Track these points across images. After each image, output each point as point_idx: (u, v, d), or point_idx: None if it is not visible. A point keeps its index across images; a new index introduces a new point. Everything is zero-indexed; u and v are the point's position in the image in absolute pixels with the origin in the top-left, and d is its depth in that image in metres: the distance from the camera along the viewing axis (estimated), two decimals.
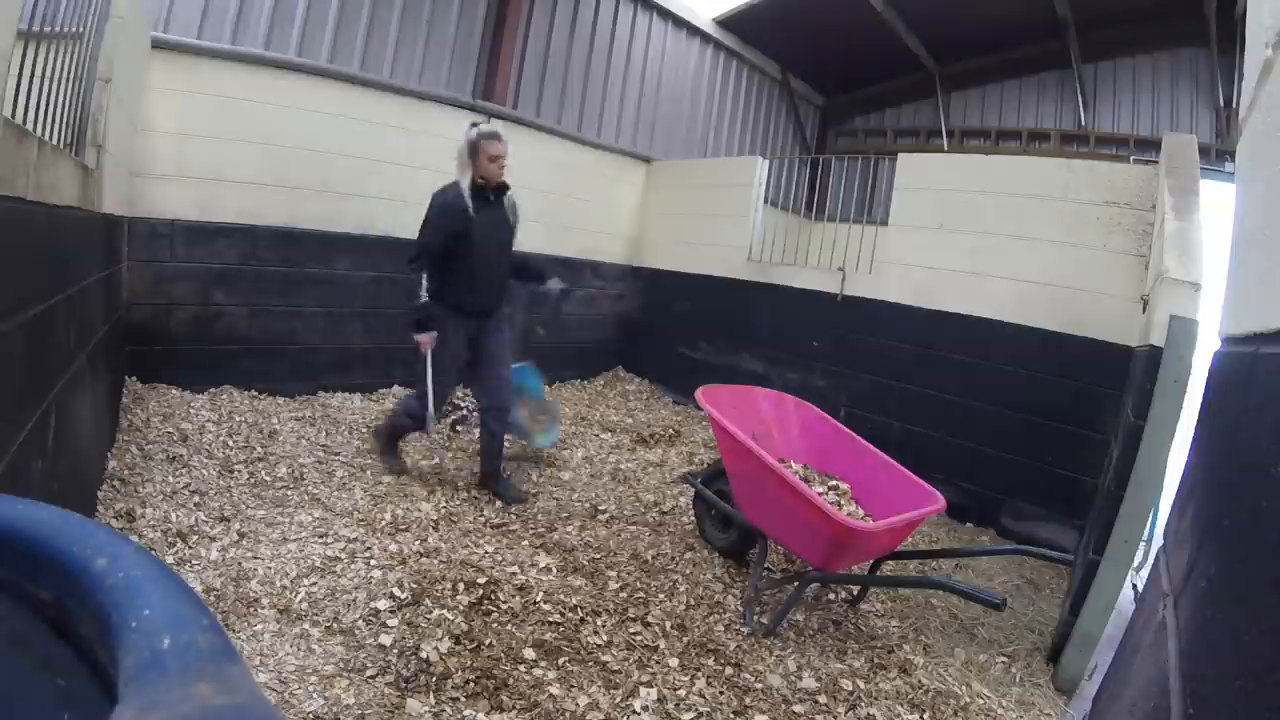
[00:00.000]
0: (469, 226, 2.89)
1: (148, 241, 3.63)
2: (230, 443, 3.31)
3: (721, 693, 2.03)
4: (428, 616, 2.17)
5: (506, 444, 3.36)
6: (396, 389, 4.59)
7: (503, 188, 2.98)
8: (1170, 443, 2.15)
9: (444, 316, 2.98)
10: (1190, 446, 0.86)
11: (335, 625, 2.10)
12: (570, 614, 2.30)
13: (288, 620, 2.09)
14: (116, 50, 2.50)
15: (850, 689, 2.13)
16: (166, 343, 3.77)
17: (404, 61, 4.86)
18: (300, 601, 2.19)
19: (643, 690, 1.98)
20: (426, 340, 2.97)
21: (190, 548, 2.36)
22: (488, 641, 2.08)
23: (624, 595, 2.49)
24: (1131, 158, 5.75)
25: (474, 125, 2.90)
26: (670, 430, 4.74)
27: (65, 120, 1.98)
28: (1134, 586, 2.76)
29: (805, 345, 4.87)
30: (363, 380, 4.53)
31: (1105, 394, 3.35)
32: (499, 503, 3.16)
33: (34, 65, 1.53)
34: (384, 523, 2.78)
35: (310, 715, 1.71)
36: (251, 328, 4.07)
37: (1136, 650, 0.86)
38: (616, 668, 2.07)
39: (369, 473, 3.30)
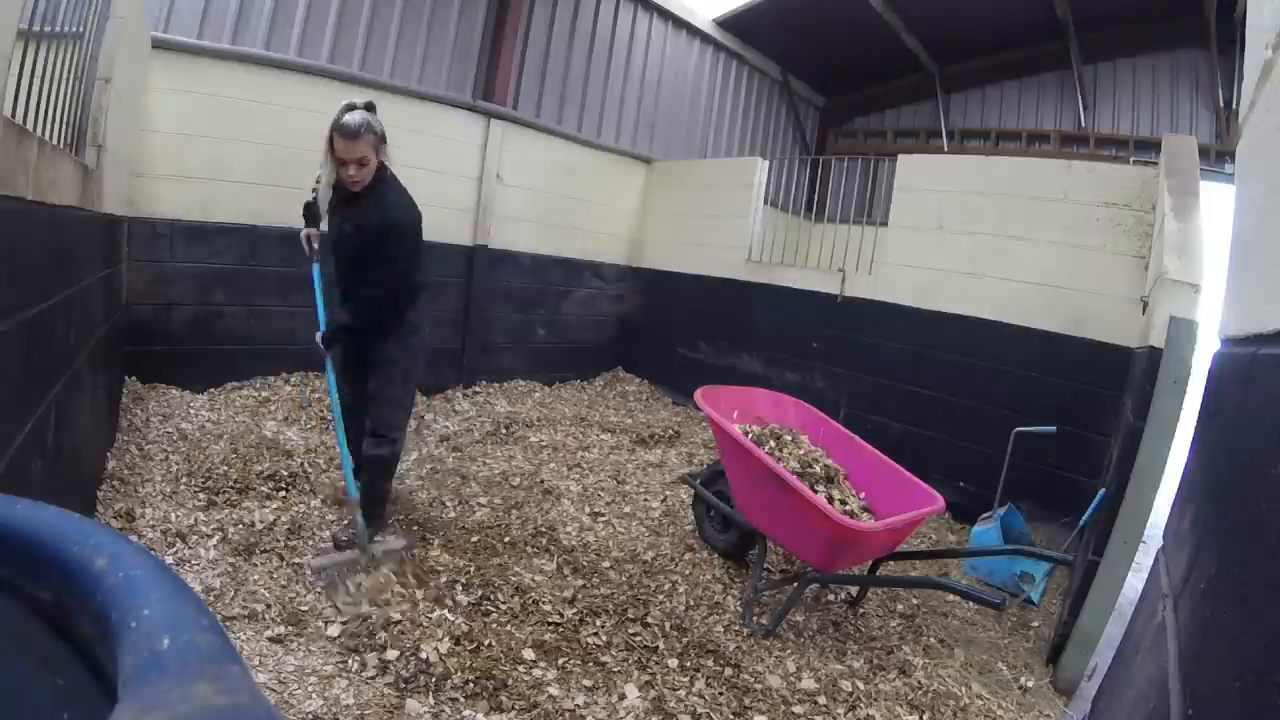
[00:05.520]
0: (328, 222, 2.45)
1: (148, 241, 3.63)
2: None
3: (721, 693, 2.03)
4: (428, 616, 2.17)
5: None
6: None
7: (350, 195, 2.32)
8: (1170, 443, 2.15)
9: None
10: (1190, 447, 0.86)
11: (334, 624, 2.10)
12: (570, 614, 2.30)
13: (287, 620, 2.09)
14: (116, 50, 2.50)
15: (850, 690, 2.13)
16: (166, 343, 3.77)
17: (404, 61, 4.85)
18: (300, 601, 2.19)
19: (642, 691, 1.98)
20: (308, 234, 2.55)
21: (190, 548, 2.36)
22: (487, 642, 2.08)
23: (623, 596, 2.49)
24: (1131, 159, 5.75)
25: (349, 106, 2.27)
26: (670, 431, 4.74)
27: (65, 120, 1.98)
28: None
29: (805, 346, 4.87)
30: None
31: (1105, 395, 3.35)
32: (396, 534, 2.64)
33: (34, 65, 1.53)
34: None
35: (310, 715, 1.71)
36: (251, 328, 4.07)
37: (1136, 650, 0.86)
38: (616, 668, 2.07)
39: None
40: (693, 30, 6.90)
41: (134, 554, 0.32)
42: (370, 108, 2.29)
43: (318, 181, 2.42)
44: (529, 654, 2.07)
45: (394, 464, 2.61)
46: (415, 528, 2.82)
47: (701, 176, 5.91)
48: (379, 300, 2.38)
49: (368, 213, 2.30)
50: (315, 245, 2.58)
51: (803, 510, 2.26)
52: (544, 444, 4.11)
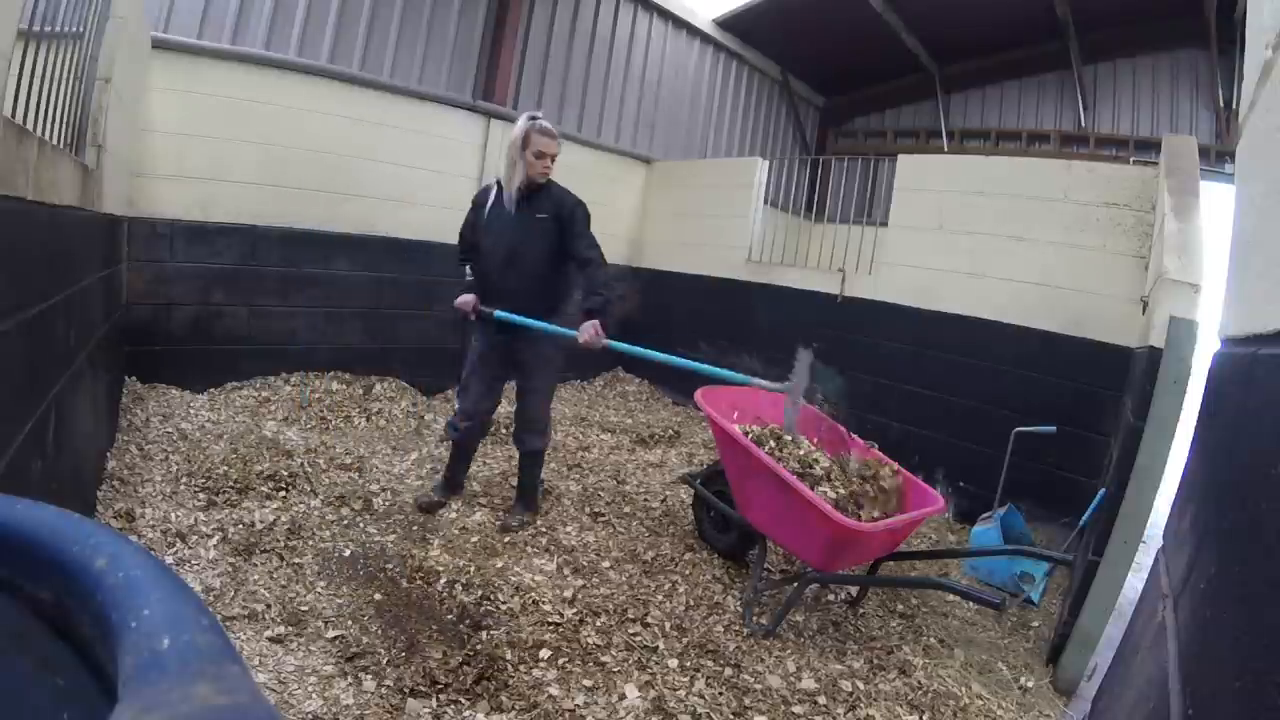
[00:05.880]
0: (479, 220, 2.81)
1: (148, 241, 3.63)
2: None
3: (721, 694, 2.02)
4: (429, 615, 2.17)
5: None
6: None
7: (536, 188, 2.69)
8: (1170, 443, 2.15)
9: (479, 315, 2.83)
10: (1190, 447, 0.86)
11: (334, 624, 2.10)
12: (570, 614, 2.30)
13: (287, 620, 2.09)
14: (116, 50, 2.50)
15: (850, 690, 2.13)
16: (166, 343, 3.77)
17: (404, 61, 4.85)
18: (300, 601, 2.19)
19: (642, 691, 1.98)
20: (463, 301, 2.81)
21: (190, 548, 2.36)
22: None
23: (623, 596, 2.49)
24: (1131, 159, 5.75)
25: (532, 116, 2.66)
26: (670, 431, 4.73)
27: (65, 120, 1.98)
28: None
29: (805, 346, 4.86)
30: (363, 380, 4.53)
31: (1105, 395, 3.35)
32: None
33: (34, 65, 1.53)
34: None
35: (309, 715, 1.71)
36: (251, 328, 4.07)
37: (1136, 650, 0.86)
38: (616, 668, 2.07)
39: None
40: (693, 30, 6.90)
41: (134, 554, 0.32)
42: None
43: (472, 211, 2.85)
44: (529, 653, 2.07)
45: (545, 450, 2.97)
46: (415, 528, 2.83)
47: (701, 176, 5.91)
48: (598, 267, 2.69)
49: (555, 200, 2.71)
50: (475, 307, 2.82)
51: (803, 510, 2.26)
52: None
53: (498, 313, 2.74)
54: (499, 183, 2.78)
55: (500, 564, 2.59)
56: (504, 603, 2.31)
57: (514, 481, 3.45)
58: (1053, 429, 3.29)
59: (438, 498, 3.04)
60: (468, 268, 2.89)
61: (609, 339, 2.68)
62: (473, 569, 2.49)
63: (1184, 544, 0.72)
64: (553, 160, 2.66)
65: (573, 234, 2.69)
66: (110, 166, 2.64)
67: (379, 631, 2.10)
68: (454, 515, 2.99)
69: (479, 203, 2.84)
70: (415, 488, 3.19)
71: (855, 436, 2.89)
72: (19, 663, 0.34)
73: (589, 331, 2.64)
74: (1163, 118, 6.37)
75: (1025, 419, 3.44)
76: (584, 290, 2.72)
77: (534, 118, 2.65)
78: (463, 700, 1.84)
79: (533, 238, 2.69)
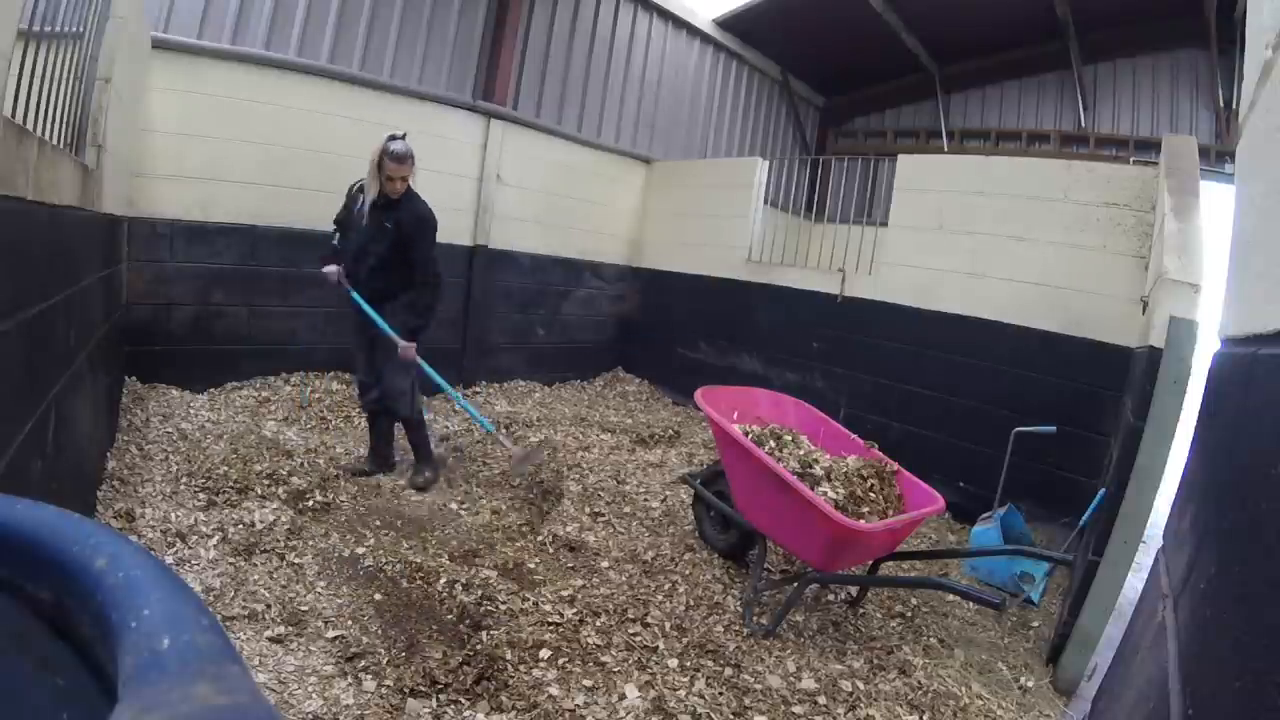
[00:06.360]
0: (349, 216, 3.10)
1: (148, 241, 3.63)
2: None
3: (721, 694, 2.02)
4: (429, 615, 2.17)
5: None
6: None
7: (392, 200, 2.98)
8: (1170, 443, 2.15)
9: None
10: (1190, 447, 0.86)
11: (334, 624, 2.10)
12: (570, 614, 2.30)
13: (287, 620, 2.09)
14: (116, 50, 2.50)
15: (850, 690, 2.13)
16: (166, 343, 3.77)
17: (404, 61, 4.85)
18: (300, 601, 2.19)
19: (642, 691, 1.98)
20: (328, 272, 3.09)
21: (190, 548, 2.36)
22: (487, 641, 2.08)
23: (623, 596, 2.49)
24: (1131, 159, 5.75)
25: (391, 136, 2.93)
26: (670, 431, 4.73)
27: (65, 120, 1.98)
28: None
29: (805, 346, 4.87)
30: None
31: (1105, 395, 3.35)
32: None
33: (34, 65, 1.53)
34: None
35: (309, 715, 1.71)
36: (251, 328, 4.07)
37: (1136, 650, 0.86)
38: (616, 668, 2.07)
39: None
40: (693, 30, 6.90)
41: (134, 554, 0.32)
42: (405, 136, 2.99)
43: (347, 199, 3.13)
44: (529, 653, 2.07)
45: (416, 416, 3.27)
46: (415, 527, 2.82)
47: (701, 176, 5.91)
48: (429, 286, 3.11)
49: (404, 213, 3.01)
50: (340, 279, 3.10)
51: (803, 510, 2.26)
52: (544, 444, 4.10)
53: (354, 295, 3.08)
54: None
55: (500, 564, 2.59)
56: (504, 603, 2.31)
57: (514, 481, 3.47)
58: (1053, 429, 3.29)
59: (365, 467, 3.28)
60: (335, 239, 3.18)
61: (421, 359, 3.13)
62: (472, 569, 2.49)
63: (1184, 544, 0.72)
64: (403, 181, 2.95)
65: (411, 251, 3.04)
66: (110, 166, 2.64)
67: (379, 631, 2.10)
68: (454, 516, 2.99)
69: (352, 195, 3.10)
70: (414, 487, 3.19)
71: (856, 436, 2.89)
72: (19, 663, 0.34)
73: (408, 352, 3.06)
74: (1163, 118, 6.37)
75: (1025, 419, 3.44)
76: (410, 309, 3.09)
77: (393, 137, 2.92)
78: (463, 700, 1.84)
79: (378, 241, 3.02)
